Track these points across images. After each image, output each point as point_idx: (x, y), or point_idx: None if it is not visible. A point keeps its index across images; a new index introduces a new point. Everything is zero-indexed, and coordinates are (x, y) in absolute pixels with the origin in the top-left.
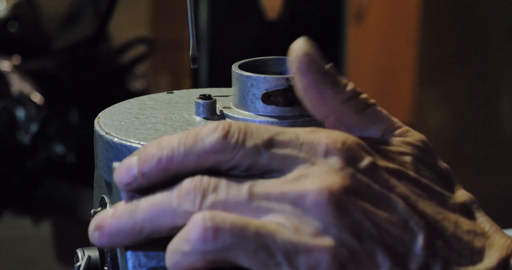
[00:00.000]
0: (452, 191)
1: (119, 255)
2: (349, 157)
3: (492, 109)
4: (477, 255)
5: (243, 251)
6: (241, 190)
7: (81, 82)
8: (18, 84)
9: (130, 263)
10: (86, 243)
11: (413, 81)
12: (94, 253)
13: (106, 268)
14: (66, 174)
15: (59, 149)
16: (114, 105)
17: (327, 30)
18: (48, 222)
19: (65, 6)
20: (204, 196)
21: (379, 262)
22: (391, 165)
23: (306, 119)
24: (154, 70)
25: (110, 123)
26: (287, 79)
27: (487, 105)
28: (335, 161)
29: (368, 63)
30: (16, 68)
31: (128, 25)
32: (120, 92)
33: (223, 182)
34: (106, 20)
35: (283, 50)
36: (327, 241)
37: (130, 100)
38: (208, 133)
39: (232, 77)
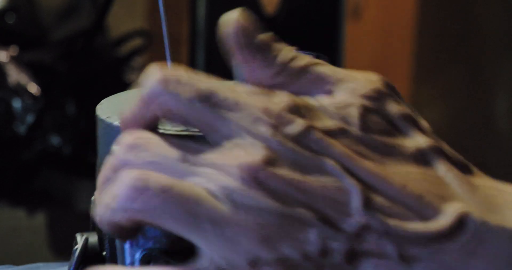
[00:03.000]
0: (407, 137)
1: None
2: (278, 123)
3: (489, 107)
4: (430, 209)
5: (167, 213)
6: (172, 150)
7: (78, 74)
8: (15, 75)
9: (127, 243)
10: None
11: (409, 78)
12: (93, 238)
13: (104, 253)
14: (62, 166)
15: (55, 140)
16: (117, 93)
17: (324, 26)
18: (43, 213)
19: None
20: (136, 151)
21: (307, 226)
22: (329, 124)
23: None
24: (151, 63)
25: (112, 108)
26: None
27: (483, 103)
28: (263, 129)
29: (365, 59)
30: (13, 59)
31: (125, 17)
32: (117, 84)
33: (156, 139)
34: (104, 12)
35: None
36: (249, 216)
37: (133, 90)
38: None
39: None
